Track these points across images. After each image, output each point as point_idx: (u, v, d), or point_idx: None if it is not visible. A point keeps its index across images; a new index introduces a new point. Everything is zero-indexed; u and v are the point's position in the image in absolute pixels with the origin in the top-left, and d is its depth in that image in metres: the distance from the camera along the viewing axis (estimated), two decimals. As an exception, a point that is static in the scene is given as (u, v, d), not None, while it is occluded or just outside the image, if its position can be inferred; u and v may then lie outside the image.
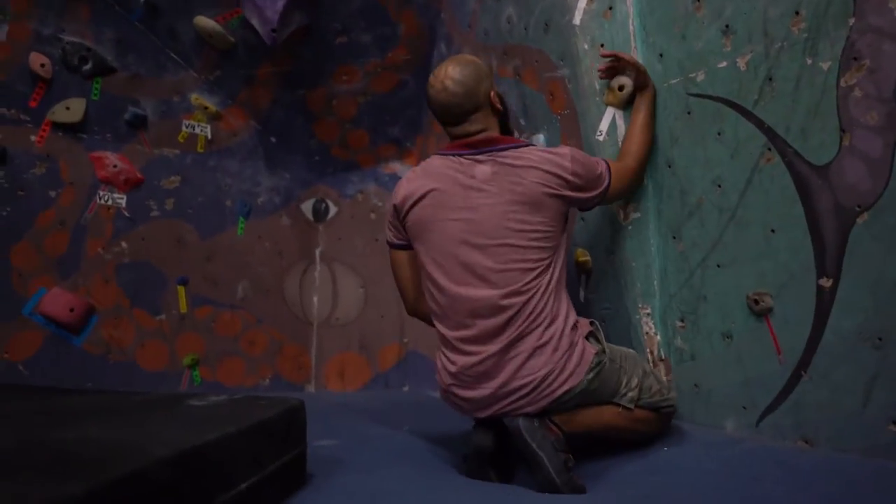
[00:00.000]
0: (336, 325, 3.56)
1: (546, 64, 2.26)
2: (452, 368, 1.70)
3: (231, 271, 3.38)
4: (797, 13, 1.55)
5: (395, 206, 1.84)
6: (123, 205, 3.13)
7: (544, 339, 1.63)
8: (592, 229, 2.12)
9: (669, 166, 1.91)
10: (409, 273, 1.93)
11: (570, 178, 1.68)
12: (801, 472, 1.40)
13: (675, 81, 1.89)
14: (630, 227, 1.99)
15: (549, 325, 1.64)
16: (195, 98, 3.30)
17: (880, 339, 1.39)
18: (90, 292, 2.99)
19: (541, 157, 1.69)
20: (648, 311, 1.96)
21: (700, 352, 1.83)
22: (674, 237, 1.91)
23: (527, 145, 1.75)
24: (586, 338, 1.72)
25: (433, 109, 1.82)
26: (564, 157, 1.70)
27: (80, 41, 3.00)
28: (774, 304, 1.63)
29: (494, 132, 1.80)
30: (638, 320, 1.96)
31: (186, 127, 3.31)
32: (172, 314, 3.18)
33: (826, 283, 1.50)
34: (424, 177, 1.78)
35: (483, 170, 1.70)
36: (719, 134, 1.77)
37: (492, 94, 1.80)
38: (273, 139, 3.55)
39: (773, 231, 1.63)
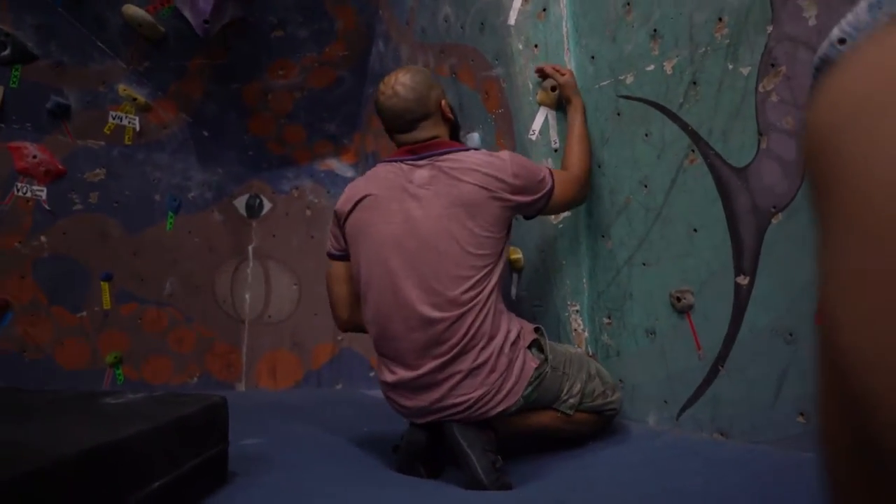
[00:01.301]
0: (268, 322, 3.49)
1: (481, 63, 2.27)
2: (390, 378, 1.68)
3: (159, 267, 3.27)
4: (720, 19, 1.60)
5: (336, 211, 1.80)
6: (44, 197, 2.98)
7: (480, 359, 1.59)
8: (524, 227, 2.14)
9: (599, 166, 1.95)
10: (345, 289, 1.86)
11: (510, 179, 1.65)
12: (716, 463, 1.44)
13: (605, 83, 1.93)
14: (561, 226, 2.02)
15: (487, 344, 1.60)
16: (123, 89, 3.18)
17: (791, 334, 1.45)
18: (5, 287, 2.84)
19: (480, 160, 1.66)
20: (577, 307, 1.99)
21: (625, 348, 1.87)
22: (603, 236, 1.95)
23: (468, 149, 1.72)
24: (531, 346, 1.70)
25: (383, 117, 1.76)
26: (504, 160, 1.68)
27: (-3, 25, 2.86)
28: (695, 301, 1.68)
29: (443, 140, 1.77)
30: (567, 317, 1.99)
31: (113, 118, 3.18)
32: (95, 311, 3.05)
33: (743, 280, 1.56)
34: (366, 182, 1.75)
35: (421, 174, 1.67)
36: (647, 135, 1.81)
37: (442, 102, 1.78)
38: (205, 133, 3.45)
39: (695, 230, 1.68)
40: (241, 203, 3.58)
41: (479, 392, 1.59)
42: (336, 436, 2.07)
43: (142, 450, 1.12)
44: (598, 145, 1.95)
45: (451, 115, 1.80)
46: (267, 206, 3.62)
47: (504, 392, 1.61)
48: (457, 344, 1.58)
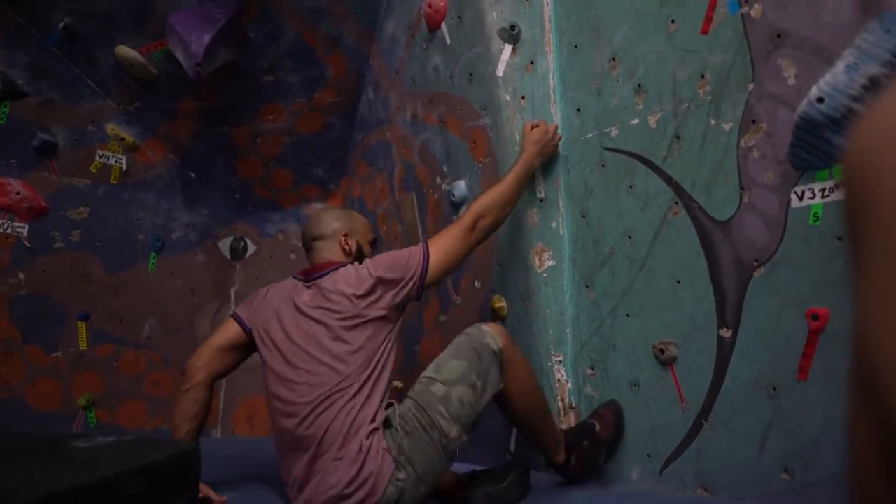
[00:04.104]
0: (247, 367, 3.42)
1: (469, 112, 2.30)
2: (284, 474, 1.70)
3: (138, 308, 3.22)
4: (703, 76, 1.64)
5: (249, 302, 1.95)
6: (24, 234, 2.95)
7: (340, 453, 1.54)
8: (508, 276, 2.14)
9: (584, 217, 1.96)
10: (218, 346, 1.94)
11: (373, 281, 1.71)
12: (700, 520, 1.41)
13: (591, 135, 1.96)
14: (545, 275, 2.02)
15: (348, 439, 1.55)
16: (111, 128, 3.19)
17: (774, 388, 1.44)
18: (-22, 326, 2.78)
19: (346, 276, 1.75)
20: (560, 358, 1.97)
21: (609, 400, 1.85)
22: (587, 286, 1.94)
23: (344, 265, 1.82)
24: (386, 427, 1.59)
25: None
26: (366, 267, 1.76)
27: (-12, 62, 2.86)
28: (679, 353, 1.67)
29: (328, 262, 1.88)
30: (550, 367, 1.97)
31: (100, 157, 3.18)
32: (70, 351, 2.99)
33: (726, 333, 1.56)
34: (273, 294, 1.89)
35: (308, 294, 1.78)
36: (631, 187, 1.83)
37: (343, 236, 1.93)
38: (192, 174, 3.45)
39: (678, 282, 1.68)
40: (224, 245, 3.57)
41: (337, 490, 1.51)
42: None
43: (106, 496, 1.07)
44: (582, 195, 1.97)
45: (348, 248, 1.93)
46: (251, 248, 3.60)
47: (366, 490, 1.50)
48: (321, 441, 1.58)
